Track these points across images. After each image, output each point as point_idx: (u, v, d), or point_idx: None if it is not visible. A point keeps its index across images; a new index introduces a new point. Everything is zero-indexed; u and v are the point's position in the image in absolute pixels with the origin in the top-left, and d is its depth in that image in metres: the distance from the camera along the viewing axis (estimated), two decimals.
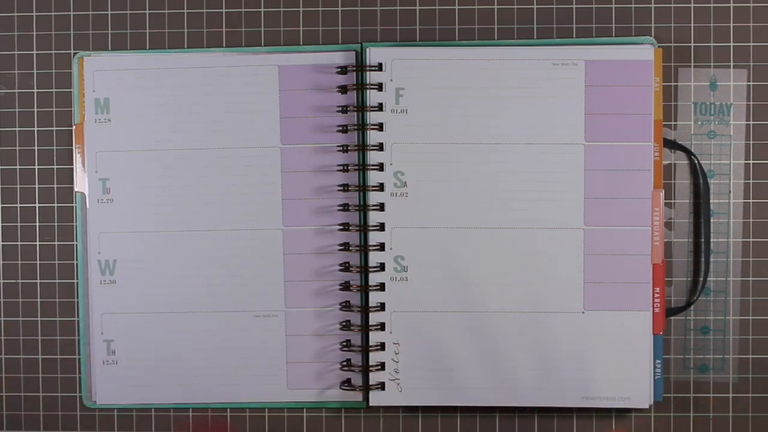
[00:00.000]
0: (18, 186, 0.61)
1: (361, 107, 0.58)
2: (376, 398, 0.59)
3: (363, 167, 0.58)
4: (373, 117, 0.58)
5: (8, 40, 0.61)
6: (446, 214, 0.58)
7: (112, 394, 0.60)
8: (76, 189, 0.60)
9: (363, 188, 0.58)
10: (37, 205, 0.61)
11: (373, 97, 0.58)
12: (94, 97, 0.59)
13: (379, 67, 0.57)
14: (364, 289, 0.58)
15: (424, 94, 0.58)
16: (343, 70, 0.58)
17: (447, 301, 0.58)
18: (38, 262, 0.61)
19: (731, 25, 0.59)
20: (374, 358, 0.58)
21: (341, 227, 0.58)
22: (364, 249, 0.58)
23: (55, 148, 0.61)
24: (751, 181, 0.59)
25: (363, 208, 0.58)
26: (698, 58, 0.59)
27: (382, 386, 0.58)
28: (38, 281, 0.61)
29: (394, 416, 0.60)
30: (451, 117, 0.58)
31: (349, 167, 0.58)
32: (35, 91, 0.61)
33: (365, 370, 0.58)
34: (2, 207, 0.61)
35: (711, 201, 0.59)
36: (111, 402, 0.60)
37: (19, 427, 0.61)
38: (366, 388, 0.59)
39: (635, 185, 0.57)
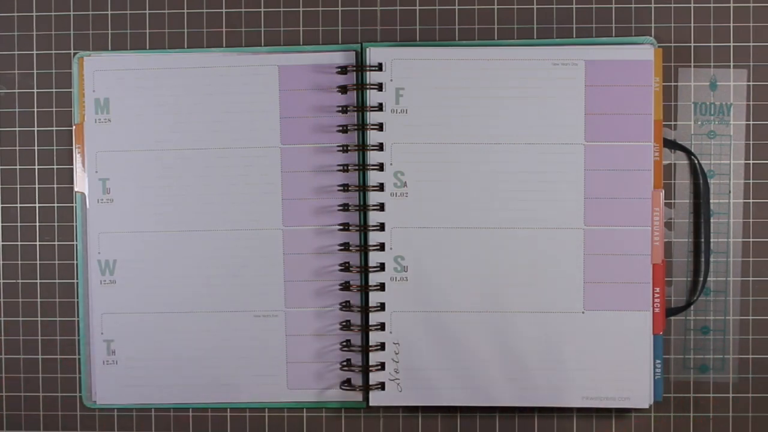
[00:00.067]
0: (18, 186, 0.61)
1: (361, 107, 0.58)
2: (376, 398, 0.59)
3: (363, 167, 0.58)
4: (373, 117, 0.58)
5: (8, 40, 0.61)
6: (446, 214, 0.58)
7: (112, 394, 0.60)
8: (76, 189, 0.60)
9: (363, 188, 0.58)
10: (37, 205, 0.61)
11: (373, 97, 0.58)
12: (94, 97, 0.59)
13: (379, 67, 0.57)
14: (364, 289, 0.58)
15: (424, 94, 0.58)
16: (343, 70, 0.58)
17: (447, 302, 0.58)
18: (38, 262, 0.61)
19: (731, 25, 0.59)
20: (374, 358, 0.58)
21: (341, 227, 0.58)
22: (364, 249, 0.58)
23: (55, 148, 0.61)
24: (751, 181, 0.59)
25: (363, 208, 0.58)
26: (698, 58, 0.59)
27: (382, 386, 0.58)
28: (38, 281, 0.61)
29: (394, 416, 0.60)
30: (451, 117, 0.58)
31: (349, 167, 0.58)
32: (35, 91, 0.61)
33: (365, 370, 0.58)
34: (2, 207, 0.61)
35: (711, 201, 0.59)
36: (111, 402, 0.60)
37: (19, 427, 0.61)
38: (366, 388, 0.59)
39: (635, 185, 0.57)
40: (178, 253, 0.59)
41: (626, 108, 0.57)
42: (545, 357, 0.58)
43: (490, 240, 0.58)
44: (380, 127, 0.58)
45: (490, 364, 0.58)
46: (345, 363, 0.59)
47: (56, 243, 0.61)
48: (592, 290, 0.58)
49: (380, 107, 0.58)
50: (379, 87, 0.58)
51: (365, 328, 0.58)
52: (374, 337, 0.58)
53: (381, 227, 0.58)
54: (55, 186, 0.61)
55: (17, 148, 0.61)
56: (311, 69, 0.59)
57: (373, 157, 0.58)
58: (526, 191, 0.58)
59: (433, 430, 0.60)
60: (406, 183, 0.58)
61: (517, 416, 0.60)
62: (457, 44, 0.59)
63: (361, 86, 0.58)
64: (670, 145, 0.59)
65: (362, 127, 0.58)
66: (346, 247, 0.58)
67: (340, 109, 0.58)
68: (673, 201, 0.59)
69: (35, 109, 0.61)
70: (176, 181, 0.59)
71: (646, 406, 0.58)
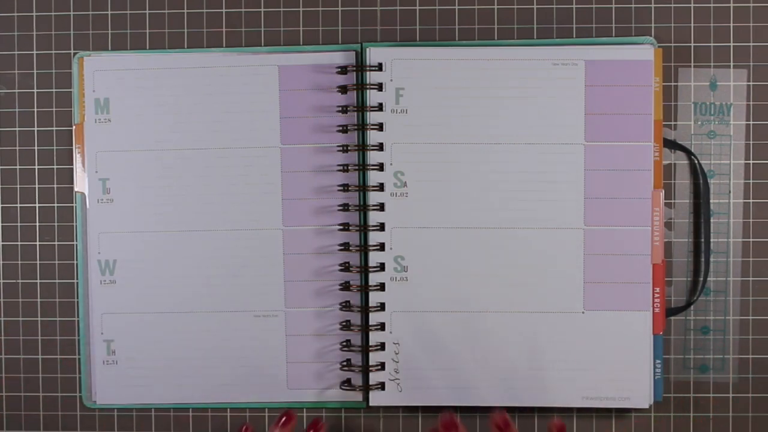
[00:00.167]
0: (18, 186, 0.61)
1: (361, 107, 0.58)
2: (376, 398, 0.59)
3: (363, 167, 0.58)
4: (373, 117, 0.58)
5: (8, 40, 0.61)
6: (446, 214, 0.58)
7: (112, 394, 0.60)
8: (76, 189, 0.60)
9: (363, 188, 0.58)
10: (37, 205, 0.61)
11: (373, 97, 0.58)
12: (94, 97, 0.59)
13: (379, 67, 0.57)
14: (364, 289, 0.58)
15: (424, 94, 0.58)
16: (343, 70, 0.58)
17: (447, 301, 0.58)
18: (38, 262, 0.61)
19: (731, 25, 0.59)
20: (374, 358, 0.58)
21: (341, 227, 0.58)
22: (364, 249, 0.58)
23: (55, 148, 0.61)
24: (751, 181, 0.59)
25: (363, 208, 0.58)
26: (698, 58, 0.59)
27: (382, 386, 0.58)
28: (38, 281, 0.61)
29: (394, 416, 0.60)
30: (451, 117, 0.57)
31: (349, 167, 0.58)
32: (35, 91, 0.61)
33: (365, 370, 0.58)
34: (2, 207, 0.61)
35: (711, 201, 0.59)
36: (111, 402, 0.60)
37: (19, 427, 0.61)
38: (366, 388, 0.59)
39: (635, 185, 0.57)
40: (178, 253, 0.59)
41: (626, 108, 0.57)
42: (545, 357, 0.58)
43: (490, 240, 0.58)
44: (380, 127, 0.58)
45: (490, 365, 0.58)
46: (345, 363, 0.59)
47: (56, 243, 0.61)
48: (592, 290, 0.58)
49: (380, 107, 0.58)
50: (379, 87, 0.57)
51: (365, 328, 0.58)
52: (374, 337, 0.58)
53: (381, 227, 0.58)
54: (55, 186, 0.61)
55: (17, 148, 0.61)
56: (311, 69, 0.59)
57: (373, 157, 0.58)
58: (526, 191, 0.58)
59: None
60: (406, 183, 0.58)
61: (517, 416, 0.60)
62: (457, 44, 0.59)
63: (361, 86, 0.58)
64: (670, 145, 0.59)
65: (362, 127, 0.58)
66: (346, 247, 0.58)
67: (340, 109, 0.58)
68: (673, 201, 0.59)
69: (35, 109, 0.61)
70: (176, 181, 0.59)
71: (646, 406, 0.58)
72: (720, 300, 0.59)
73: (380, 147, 0.58)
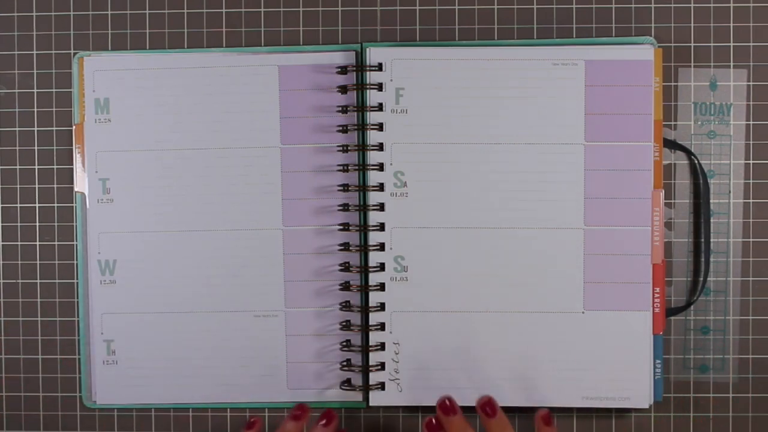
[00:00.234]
0: (18, 186, 0.61)
1: (361, 107, 0.58)
2: (376, 398, 0.59)
3: (363, 167, 0.58)
4: (373, 117, 0.58)
5: (8, 40, 0.61)
6: (446, 214, 0.58)
7: (112, 394, 0.60)
8: (76, 189, 0.60)
9: (363, 188, 0.58)
10: (37, 205, 0.61)
11: (373, 97, 0.58)
12: (94, 97, 0.59)
13: (379, 67, 0.57)
14: (364, 289, 0.58)
15: (424, 94, 0.58)
16: (343, 70, 0.58)
17: (447, 301, 0.58)
18: (38, 262, 0.61)
19: (731, 25, 0.59)
20: (374, 358, 0.58)
21: (341, 227, 0.58)
22: (364, 249, 0.58)
23: (55, 148, 0.61)
24: (751, 181, 0.59)
25: (363, 208, 0.58)
26: (698, 58, 0.59)
27: (382, 386, 0.58)
28: (38, 281, 0.61)
29: (394, 416, 0.60)
30: (451, 117, 0.57)
31: (349, 167, 0.58)
32: (35, 91, 0.61)
33: (365, 370, 0.58)
34: (2, 207, 0.61)
35: (711, 201, 0.59)
36: (111, 402, 0.60)
37: (19, 427, 0.61)
38: (366, 388, 0.59)
39: (635, 185, 0.57)
40: (178, 253, 0.59)
41: (626, 108, 0.57)
42: (545, 357, 0.58)
43: (490, 240, 0.58)
44: (380, 127, 0.58)
45: (490, 365, 0.58)
46: (345, 363, 0.59)
47: (56, 243, 0.61)
48: (592, 290, 0.58)
49: (380, 107, 0.58)
50: (379, 87, 0.57)
51: (365, 328, 0.58)
52: (374, 337, 0.58)
53: (381, 227, 0.58)
54: (55, 186, 0.61)
55: (17, 148, 0.61)
56: (311, 69, 0.59)
57: (373, 157, 0.58)
58: (526, 191, 0.58)
59: None
60: (406, 183, 0.58)
61: (517, 416, 0.60)
62: (457, 44, 0.59)
63: (361, 86, 0.58)
64: (670, 145, 0.59)
65: (362, 127, 0.58)
66: (346, 247, 0.58)
67: (340, 109, 0.58)
68: (673, 201, 0.59)
69: (35, 109, 0.61)
70: (176, 181, 0.59)
71: (646, 406, 0.58)
72: (720, 300, 0.59)
73: (380, 147, 0.58)
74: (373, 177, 0.58)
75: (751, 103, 0.59)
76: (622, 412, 0.60)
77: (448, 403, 0.54)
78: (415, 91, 0.57)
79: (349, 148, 0.58)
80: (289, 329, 0.59)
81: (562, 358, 0.58)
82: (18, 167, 0.61)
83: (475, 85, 0.57)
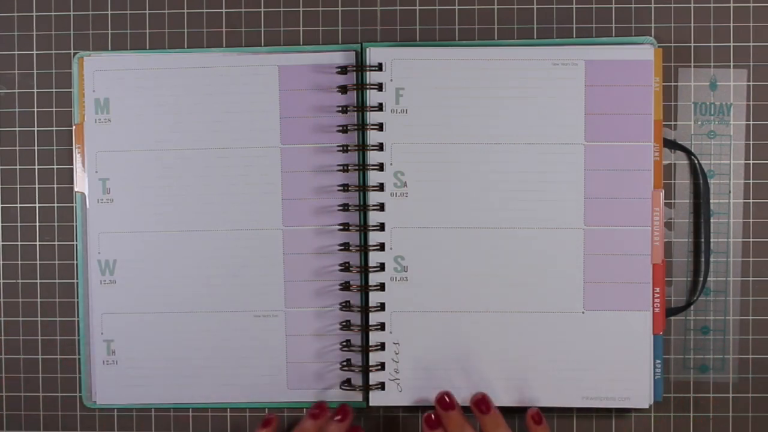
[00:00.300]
0: (18, 186, 0.61)
1: (361, 107, 0.58)
2: (376, 398, 0.59)
3: (363, 167, 0.58)
4: (373, 117, 0.58)
5: (8, 40, 0.61)
6: (446, 214, 0.58)
7: (112, 394, 0.60)
8: (76, 189, 0.60)
9: (363, 188, 0.58)
10: (37, 205, 0.61)
11: (373, 97, 0.58)
12: (94, 97, 0.59)
13: (379, 67, 0.57)
14: (364, 289, 0.58)
15: (424, 94, 0.58)
16: (343, 70, 0.58)
17: (447, 301, 0.58)
18: (38, 262, 0.61)
19: (731, 25, 0.59)
20: (374, 358, 0.58)
21: (341, 227, 0.58)
22: (364, 249, 0.58)
23: (55, 148, 0.61)
24: (751, 181, 0.59)
25: (363, 208, 0.58)
26: (698, 58, 0.59)
27: (382, 386, 0.58)
28: (38, 281, 0.61)
29: (394, 416, 0.60)
30: (451, 117, 0.57)
31: (349, 167, 0.58)
32: (35, 91, 0.61)
33: (365, 370, 0.58)
34: (2, 207, 0.61)
35: (711, 201, 0.59)
36: (111, 402, 0.60)
37: (19, 427, 0.61)
38: (366, 388, 0.59)
39: (635, 185, 0.57)
40: (178, 253, 0.59)
41: (626, 108, 0.57)
42: (545, 357, 0.58)
43: (490, 240, 0.58)
44: (380, 127, 0.58)
45: (490, 364, 0.58)
46: (345, 363, 0.59)
47: (56, 243, 0.61)
48: (592, 290, 0.58)
49: (380, 107, 0.58)
50: (379, 87, 0.57)
51: (365, 328, 0.58)
52: (374, 337, 0.58)
53: (381, 227, 0.58)
54: (55, 186, 0.61)
55: (17, 148, 0.61)
56: (311, 69, 0.59)
57: (373, 157, 0.58)
58: (526, 191, 0.58)
59: None
60: (406, 183, 0.58)
61: (517, 416, 0.60)
62: (457, 44, 0.59)
63: (361, 86, 0.58)
64: (670, 145, 0.59)
65: (362, 127, 0.58)
66: (346, 247, 0.58)
67: (340, 109, 0.58)
68: (673, 201, 0.59)
69: (35, 109, 0.61)
70: (176, 181, 0.59)
71: (646, 406, 0.58)
72: (720, 300, 0.59)
73: (380, 147, 0.58)
74: (373, 177, 0.58)
75: (751, 103, 0.59)
76: (622, 412, 0.60)
77: (446, 398, 0.54)
78: (415, 91, 0.57)
79: (349, 148, 0.58)
80: (289, 329, 0.59)
81: (562, 358, 0.58)
82: (18, 167, 0.61)
83: (475, 85, 0.57)
